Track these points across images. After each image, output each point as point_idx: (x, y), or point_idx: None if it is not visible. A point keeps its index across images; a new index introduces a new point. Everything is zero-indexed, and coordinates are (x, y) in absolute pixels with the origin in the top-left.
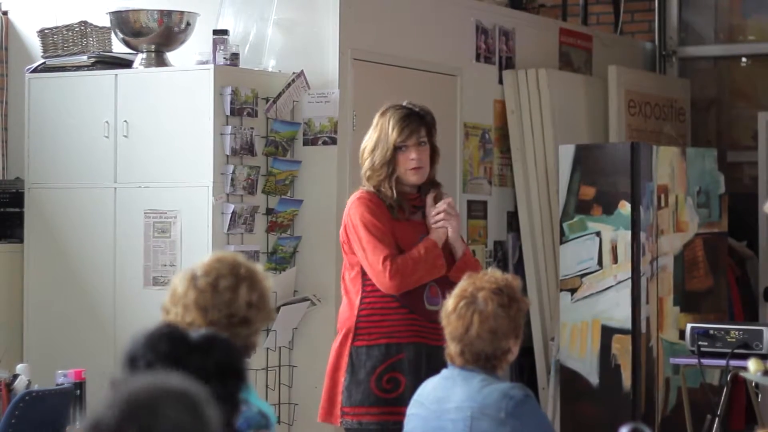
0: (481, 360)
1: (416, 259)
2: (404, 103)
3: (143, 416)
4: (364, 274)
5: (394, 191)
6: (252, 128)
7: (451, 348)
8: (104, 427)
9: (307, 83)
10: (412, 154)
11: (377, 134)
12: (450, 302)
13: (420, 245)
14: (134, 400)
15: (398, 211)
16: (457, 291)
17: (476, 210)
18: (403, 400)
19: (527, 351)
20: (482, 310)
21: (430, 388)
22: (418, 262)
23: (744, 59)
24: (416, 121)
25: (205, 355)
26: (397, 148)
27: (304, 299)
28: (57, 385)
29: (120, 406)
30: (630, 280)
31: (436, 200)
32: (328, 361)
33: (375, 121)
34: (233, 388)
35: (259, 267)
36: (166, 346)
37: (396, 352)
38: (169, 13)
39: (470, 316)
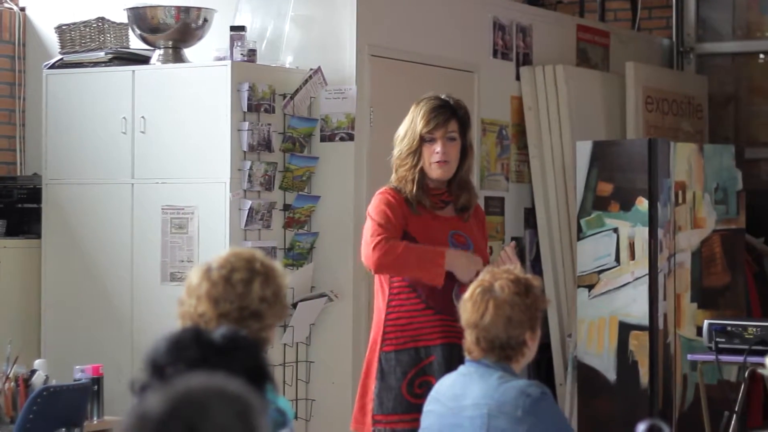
0: (496, 349)
1: (413, 249)
2: (441, 95)
3: (192, 414)
4: (390, 276)
5: (416, 184)
6: (269, 124)
7: (468, 338)
8: (151, 418)
9: (324, 79)
10: (437, 147)
11: (408, 122)
12: (468, 291)
13: (432, 246)
14: (187, 396)
15: (418, 207)
16: (475, 281)
17: (493, 206)
18: None
19: (545, 347)
20: (497, 296)
21: (447, 385)
22: (412, 253)
23: (762, 55)
24: (446, 114)
25: (231, 358)
26: (423, 139)
27: (321, 295)
28: (75, 380)
29: (172, 400)
30: (647, 277)
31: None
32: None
33: (411, 109)
34: (261, 390)
35: (277, 264)
36: (195, 353)
37: (425, 355)
38: (187, 9)
39: (485, 302)
